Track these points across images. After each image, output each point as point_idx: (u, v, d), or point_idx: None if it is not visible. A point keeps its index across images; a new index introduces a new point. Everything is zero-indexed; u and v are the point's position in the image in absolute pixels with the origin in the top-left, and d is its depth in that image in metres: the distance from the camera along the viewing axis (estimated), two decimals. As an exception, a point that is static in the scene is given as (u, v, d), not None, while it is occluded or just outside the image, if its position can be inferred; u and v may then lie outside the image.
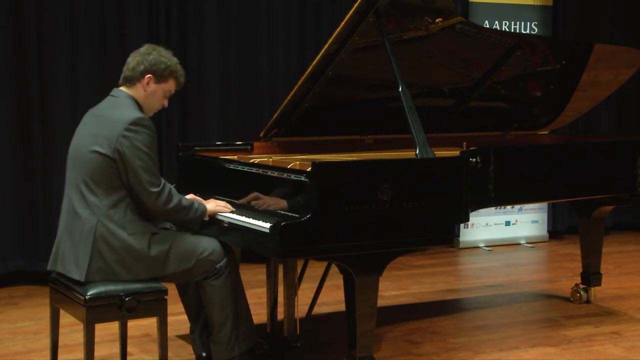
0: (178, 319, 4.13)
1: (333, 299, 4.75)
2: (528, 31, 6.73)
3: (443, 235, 3.36)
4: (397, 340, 4.18)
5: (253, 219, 3.26)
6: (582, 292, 4.87)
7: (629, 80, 4.80)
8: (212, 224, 3.43)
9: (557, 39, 6.40)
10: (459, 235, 6.69)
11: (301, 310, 3.90)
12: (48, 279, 3.40)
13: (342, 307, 3.47)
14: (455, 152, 3.60)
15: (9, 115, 5.26)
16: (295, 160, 3.59)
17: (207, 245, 3.37)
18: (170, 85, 3.41)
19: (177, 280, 3.48)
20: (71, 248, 3.22)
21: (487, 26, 6.53)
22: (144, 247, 3.22)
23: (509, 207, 6.73)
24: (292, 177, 3.26)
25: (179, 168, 4.03)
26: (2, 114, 5.24)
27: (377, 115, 4.31)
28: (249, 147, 4.10)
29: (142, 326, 4.24)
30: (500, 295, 5.20)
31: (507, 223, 6.89)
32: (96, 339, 3.14)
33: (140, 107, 3.34)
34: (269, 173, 3.45)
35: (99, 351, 3.44)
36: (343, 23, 3.56)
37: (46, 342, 3.59)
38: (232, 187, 3.67)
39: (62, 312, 3.37)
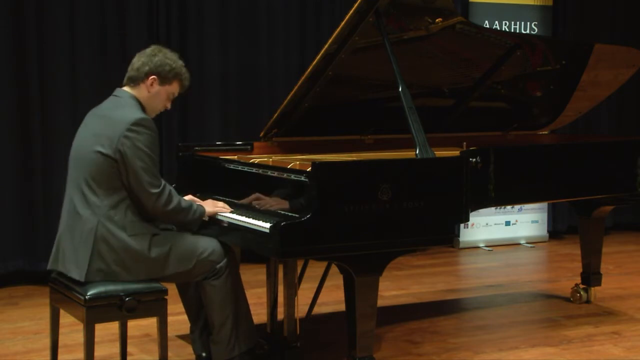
0: (178, 319, 4.13)
1: (333, 299, 4.75)
2: (528, 31, 6.73)
3: (443, 235, 3.36)
4: (397, 340, 4.18)
5: (253, 218, 3.26)
6: (582, 292, 4.87)
7: (629, 80, 4.80)
8: (212, 224, 3.43)
9: (557, 39, 6.40)
10: (459, 235, 6.69)
11: (301, 310, 3.90)
12: (48, 279, 3.40)
13: (342, 307, 3.47)
14: (455, 152, 3.60)
15: (9, 115, 5.26)
16: (295, 160, 3.59)
17: (207, 245, 3.37)
18: (174, 88, 3.41)
19: (177, 281, 3.48)
20: (71, 248, 3.22)
21: (487, 26, 6.53)
22: (144, 248, 3.22)
23: (509, 207, 6.73)
24: (292, 177, 3.26)
25: (179, 168, 4.02)
26: (2, 114, 5.24)
27: (377, 115, 4.31)
28: (249, 147, 4.09)
29: (142, 326, 4.23)
30: (500, 295, 5.20)
31: (507, 223, 6.88)
32: (96, 339, 3.14)
33: (143, 108, 3.34)
34: (269, 173, 3.45)
35: (99, 351, 3.43)
36: (343, 23, 3.55)
37: (46, 342, 3.59)
38: (232, 187, 3.67)
39: (62, 312, 3.37)
